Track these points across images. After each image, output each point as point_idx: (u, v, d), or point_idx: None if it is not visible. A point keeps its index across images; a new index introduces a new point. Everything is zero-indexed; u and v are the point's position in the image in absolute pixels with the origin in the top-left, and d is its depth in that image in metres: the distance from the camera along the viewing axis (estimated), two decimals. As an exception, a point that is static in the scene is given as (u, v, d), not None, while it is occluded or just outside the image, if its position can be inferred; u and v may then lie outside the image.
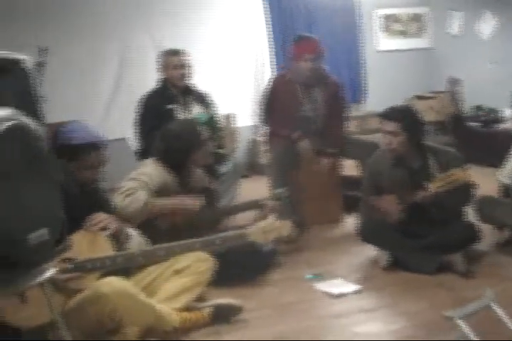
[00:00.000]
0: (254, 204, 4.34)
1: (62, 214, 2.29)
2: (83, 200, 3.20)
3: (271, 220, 3.41)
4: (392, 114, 4.13)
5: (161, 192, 3.87)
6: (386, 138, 4.09)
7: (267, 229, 3.31)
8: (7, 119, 2.03)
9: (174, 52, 5.19)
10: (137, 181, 3.80)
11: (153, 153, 4.14)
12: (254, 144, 8.05)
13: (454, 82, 4.71)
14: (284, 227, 3.34)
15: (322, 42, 5.32)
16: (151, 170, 3.91)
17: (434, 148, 4.21)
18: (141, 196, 3.71)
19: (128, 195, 3.68)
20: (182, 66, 5.13)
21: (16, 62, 2.22)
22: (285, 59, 8.04)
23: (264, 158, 7.49)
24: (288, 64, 5.53)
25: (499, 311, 2.67)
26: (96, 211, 3.22)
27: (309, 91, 5.25)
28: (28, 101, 2.25)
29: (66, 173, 3.08)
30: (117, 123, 6.84)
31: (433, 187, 3.85)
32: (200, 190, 4.10)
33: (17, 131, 2.06)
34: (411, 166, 4.14)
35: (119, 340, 3.01)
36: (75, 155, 3.17)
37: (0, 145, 1.95)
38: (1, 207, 1.95)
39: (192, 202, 3.93)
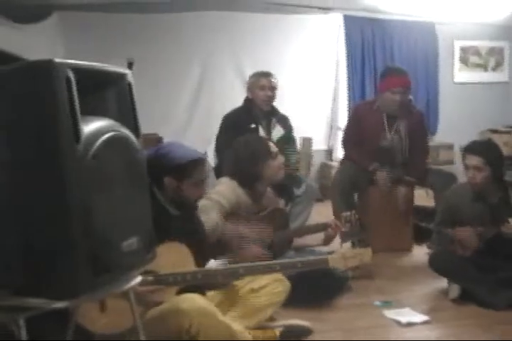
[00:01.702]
0: (323, 227, 4.36)
1: (151, 225, 2.36)
2: (180, 222, 3.28)
3: (352, 248, 3.39)
4: (477, 148, 4.12)
5: (234, 210, 3.93)
6: (470, 173, 4.09)
7: (347, 255, 3.29)
8: (109, 130, 2.10)
9: (265, 74, 5.31)
10: (210, 200, 3.85)
11: (225, 169, 4.21)
12: (325, 168, 8.09)
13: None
14: (366, 254, 3.33)
15: (409, 78, 5.34)
16: (225, 189, 3.96)
17: None
18: (213, 217, 3.74)
19: (201, 214, 3.70)
20: (270, 88, 5.24)
21: (120, 76, 2.30)
22: (363, 86, 8.14)
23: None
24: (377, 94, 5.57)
25: None
26: (189, 232, 3.29)
27: (394, 122, 5.29)
28: (127, 114, 2.33)
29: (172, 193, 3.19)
30: (192, 143, 6.96)
31: None
32: (271, 211, 4.14)
33: (118, 142, 2.13)
34: (491, 201, 4.12)
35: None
36: (188, 172, 3.20)
37: (102, 154, 2.01)
38: (102, 214, 2.02)
39: (251, 253, 3.90)
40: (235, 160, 4.15)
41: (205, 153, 5.64)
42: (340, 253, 3.32)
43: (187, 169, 3.20)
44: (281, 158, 4.16)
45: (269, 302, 3.44)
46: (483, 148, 4.14)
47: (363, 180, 5.21)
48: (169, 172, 3.17)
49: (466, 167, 4.12)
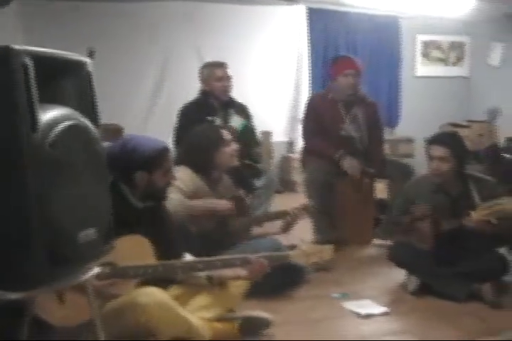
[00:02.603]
0: (282, 214, 4.36)
1: (110, 216, 2.33)
2: (145, 215, 3.25)
3: (313, 244, 3.41)
4: (443, 140, 4.17)
5: (193, 196, 3.92)
6: (433, 164, 4.11)
7: (308, 252, 3.30)
8: (68, 118, 2.06)
9: (218, 65, 5.27)
10: (172, 186, 3.84)
11: (181, 158, 4.21)
12: (286, 161, 8.09)
13: (495, 112, 4.72)
14: (327, 251, 3.34)
15: (360, 62, 5.39)
16: (182, 175, 3.95)
17: (475, 177, 4.24)
18: (174, 198, 3.73)
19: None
20: (225, 78, 5.20)
21: (80, 64, 2.26)
22: (324, 79, 8.16)
23: (296, 175, 7.56)
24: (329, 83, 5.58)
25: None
26: (156, 223, 3.28)
27: (350, 111, 5.29)
28: (87, 103, 2.29)
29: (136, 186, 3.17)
30: (155, 132, 6.91)
31: (477, 215, 3.87)
32: (230, 198, 4.13)
33: (76, 131, 2.10)
34: (452, 193, 4.16)
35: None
36: (158, 163, 3.19)
37: (60, 143, 1.97)
38: (59, 204, 1.99)
39: (224, 205, 3.98)
40: (189, 149, 4.18)
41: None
42: (301, 249, 3.33)
43: (157, 160, 3.19)
44: (234, 145, 4.15)
45: (231, 293, 3.42)
46: (449, 140, 4.18)
47: (331, 174, 5.19)
48: (141, 167, 3.15)
49: (430, 158, 4.15)
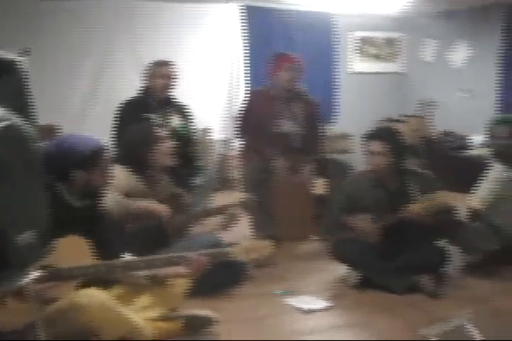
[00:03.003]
0: (221, 210, 4.34)
1: (47, 218, 2.29)
2: (83, 214, 3.19)
3: (253, 240, 3.41)
4: (382, 135, 4.21)
5: (128, 196, 3.86)
6: (373, 159, 4.15)
7: (249, 248, 3.29)
8: (2, 119, 2.02)
9: (163, 63, 5.25)
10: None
11: (117, 157, 4.16)
12: (224, 159, 8.07)
13: (429, 104, 4.81)
14: (267, 247, 3.34)
15: (301, 58, 5.40)
16: (118, 174, 3.89)
17: (413, 172, 4.30)
18: (108, 196, 3.68)
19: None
20: (168, 76, 5.18)
21: (14, 63, 2.22)
22: (261, 77, 8.16)
23: (234, 173, 7.54)
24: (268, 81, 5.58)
25: (473, 331, 2.71)
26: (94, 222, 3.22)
27: (289, 107, 5.29)
28: (21, 103, 2.24)
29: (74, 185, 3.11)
30: (92, 131, 6.81)
31: (416, 208, 3.92)
32: (168, 196, 4.10)
33: (10, 131, 2.05)
34: (390, 188, 4.21)
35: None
36: (96, 161, 3.15)
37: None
38: (-5, 206, 1.94)
39: (160, 209, 3.92)
40: (124, 147, 4.15)
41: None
42: (242, 246, 3.32)
43: (94, 159, 3.14)
44: (169, 143, 4.10)
45: (173, 291, 3.39)
46: (387, 135, 4.23)
47: (268, 170, 5.19)
48: (78, 166, 3.09)
49: (369, 153, 4.18)
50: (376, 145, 4.16)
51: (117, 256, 3.24)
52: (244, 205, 4.39)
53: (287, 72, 5.18)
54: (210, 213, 4.50)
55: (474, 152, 7.28)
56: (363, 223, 4.15)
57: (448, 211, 4.04)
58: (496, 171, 4.56)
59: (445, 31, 8.57)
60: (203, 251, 3.34)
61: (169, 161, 4.08)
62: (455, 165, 4.92)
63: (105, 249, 3.18)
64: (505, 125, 4.68)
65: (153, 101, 5.15)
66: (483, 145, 6.55)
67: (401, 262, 4.11)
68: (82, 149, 3.10)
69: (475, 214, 4.75)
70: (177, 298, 3.45)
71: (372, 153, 4.17)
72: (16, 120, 2.10)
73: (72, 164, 3.09)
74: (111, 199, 3.66)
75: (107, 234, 3.28)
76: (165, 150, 4.05)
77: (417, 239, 4.13)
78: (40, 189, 2.27)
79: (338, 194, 4.62)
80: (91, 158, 3.13)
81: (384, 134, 4.24)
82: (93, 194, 3.25)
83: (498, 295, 4.03)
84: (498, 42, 7.65)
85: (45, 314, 2.86)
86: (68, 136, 3.25)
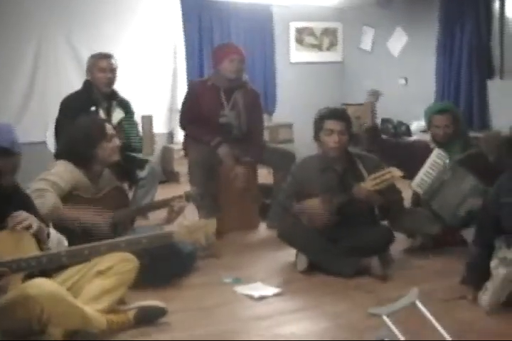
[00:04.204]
0: (165, 203, 4.33)
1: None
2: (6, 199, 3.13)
3: (195, 219, 3.40)
4: (339, 114, 4.32)
5: (72, 191, 3.82)
6: (335, 137, 4.21)
7: (192, 228, 3.28)
8: None
9: (103, 56, 5.17)
10: (46, 181, 3.72)
11: (61, 151, 4.12)
12: (167, 151, 8.05)
13: (375, 94, 4.90)
14: (210, 225, 3.35)
15: (244, 49, 5.44)
16: (60, 169, 3.84)
17: (359, 154, 4.41)
18: (50, 199, 3.62)
19: (37, 197, 3.55)
20: (109, 70, 5.11)
21: None
22: (201, 68, 8.16)
23: (178, 166, 7.53)
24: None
25: (424, 309, 2.76)
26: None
27: (231, 97, 5.30)
28: None
29: None
30: (33, 126, 6.73)
31: (367, 185, 4.00)
32: (111, 190, 4.05)
33: None
34: (338, 169, 4.27)
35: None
36: None
37: None
38: None
39: (97, 218, 3.80)
40: (70, 142, 4.04)
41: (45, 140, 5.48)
42: (184, 226, 3.32)
43: None
44: (116, 141, 4.03)
45: (118, 282, 3.34)
46: (345, 115, 4.36)
47: (214, 159, 5.19)
48: None
49: (329, 131, 4.23)
50: (336, 124, 4.24)
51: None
52: (188, 198, 4.38)
53: (232, 63, 5.18)
54: (154, 207, 4.48)
55: (415, 138, 7.41)
56: (313, 207, 4.19)
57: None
58: (436, 156, 4.64)
59: (383, 20, 8.68)
60: (147, 234, 3.32)
61: (115, 158, 4.03)
62: (397, 152, 5.00)
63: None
64: (443, 114, 4.78)
65: (97, 95, 5.09)
66: (423, 131, 6.69)
67: (348, 244, 4.18)
68: None
69: (417, 198, 4.85)
70: (122, 286, 3.39)
71: (331, 131, 4.22)
72: None
73: None
74: (50, 204, 3.59)
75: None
76: (112, 148, 3.99)
77: (363, 221, 4.22)
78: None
79: (285, 181, 4.63)
80: None
81: (341, 113, 4.36)
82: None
83: (442, 276, 4.12)
84: (435, 30, 7.76)
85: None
86: None
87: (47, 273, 3.17)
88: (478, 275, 3.58)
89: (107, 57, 5.18)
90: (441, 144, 4.75)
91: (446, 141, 4.75)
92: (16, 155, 3.09)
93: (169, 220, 4.20)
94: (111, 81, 5.14)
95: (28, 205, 3.25)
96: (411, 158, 4.87)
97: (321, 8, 8.95)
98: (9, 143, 3.09)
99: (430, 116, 4.86)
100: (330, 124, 4.25)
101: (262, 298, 3.82)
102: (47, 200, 3.60)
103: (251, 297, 3.84)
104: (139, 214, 4.49)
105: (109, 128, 4.04)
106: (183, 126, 5.48)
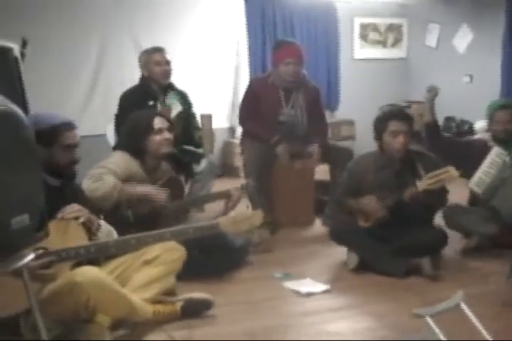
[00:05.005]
0: (220, 195, 4.35)
1: (43, 202, 2.31)
2: (61, 192, 3.22)
3: (242, 210, 3.40)
4: (405, 115, 4.30)
5: (128, 180, 3.89)
6: (401, 139, 4.16)
7: (238, 219, 3.29)
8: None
9: (156, 49, 5.21)
10: (104, 168, 3.82)
11: (117, 143, 4.19)
12: (228, 146, 8.09)
13: (433, 90, 4.81)
14: (256, 217, 3.33)
15: (303, 47, 5.39)
16: (118, 159, 3.94)
17: (418, 151, 4.38)
18: (109, 179, 3.72)
19: (96, 180, 3.69)
20: (164, 63, 5.15)
21: (6, 50, 2.23)
22: (264, 63, 8.16)
23: (238, 161, 7.56)
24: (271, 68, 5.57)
25: (468, 311, 2.71)
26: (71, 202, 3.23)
27: (290, 96, 5.30)
28: (15, 89, 2.26)
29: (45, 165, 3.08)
30: (96, 119, 6.84)
31: (424, 184, 3.96)
32: (166, 181, 4.11)
33: (5, 117, 2.07)
34: (396, 168, 4.24)
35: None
36: (55, 136, 3.17)
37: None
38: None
39: (157, 193, 3.93)
40: (124, 134, 4.19)
41: (106, 133, 5.57)
42: (230, 217, 3.34)
43: (52, 134, 3.16)
44: (165, 134, 4.06)
45: (166, 271, 3.40)
46: (409, 115, 4.34)
47: (269, 156, 5.21)
48: (38, 141, 3.09)
49: (393, 133, 4.18)
50: (401, 125, 4.19)
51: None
52: (243, 190, 4.41)
53: (287, 66, 5.17)
54: (209, 198, 4.52)
55: (476, 137, 7.27)
56: (370, 204, 4.17)
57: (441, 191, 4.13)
58: (495, 155, 4.56)
59: (448, 16, 8.53)
60: (193, 225, 3.37)
61: (163, 151, 4.06)
62: (457, 151, 4.91)
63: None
64: (505, 110, 4.70)
65: (155, 89, 5.15)
66: (486, 129, 6.55)
67: (401, 244, 4.13)
68: (40, 122, 3.09)
69: (475, 198, 4.77)
70: (169, 275, 3.44)
71: (397, 132, 4.18)
72: (11, 106, 2.12)
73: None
74: (109, 184, 3.69)
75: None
76: (159, 141, 4.02)
77: (416, 222, 4.16)
78: (35, 174, 2.30)
79: (342, 176, 4.61)
80: (48, 133, 3.13)
81: (405, 114, 4.33)
82: (61, 173, 3.25)
83: (495, 277, 4.03)
84: (501, 27, 7.59)
85: (42, 295, 2.90)
86: (36, 114, 3.25)
87: (95, 262, 3.24)
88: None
89: (160, 50, 5.22)
90: (501, 141, 4.66)
91: (506, 138, 4.66)
92: (76, 129, 3.28)
93: (225, 212, 4.24)
94: (168, 73, 5.18)
95: (79, 198, 3.33)
96: (469, 156, 4.79)
97: (386, 3, 8.88)
98: (66, 118, 3.29)
99: (492, 111, 4.77)
100: (395, 125, 4.19)
101: (309, 294, 3.82)
102: (106, 181, 3.71)
103: (299, 293, 3.84)
104: (194, 205, 4.52)
105: (158, 122, 4.07)
106: (241, 122, 5.51)
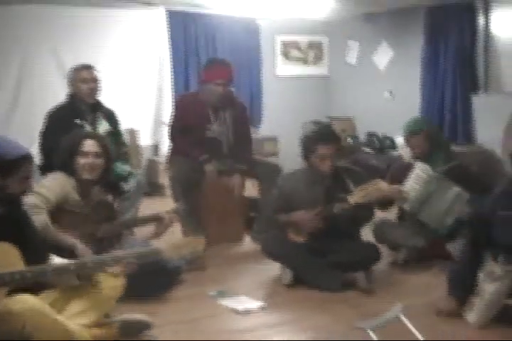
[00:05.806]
0: (152, 218, 4.32)
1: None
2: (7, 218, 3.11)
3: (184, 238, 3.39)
4: (332, 137, 4.38)
5: (63, 203, 3.83)
6: (328, 163, 4.23)
7: (179, 245, 3.30)
8: None
9: (84, 67, 5.15)
10: (38, 196, 3.72)
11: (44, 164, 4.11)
12: (153, 164, 8.03)
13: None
14: (198, 241, 3.35)
15: (233, 67, 5.43)
16: (51, 182, 3.87)
17: (345, 167, 4.47)
18: (40, 219, 3.61)
19: (31, 214, 3.56)
20: (91, 80, 5.09)
21: None
22: (187, 79, 8.17)
23: (163, 178, 7.51)
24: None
25: (408, 323, 2.77)
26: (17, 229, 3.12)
27: (218, 112, 5.31)
28: None
29: None
30: (19, 138, 6.67)
31: (355, 198, 4.03)
32: (96, 204, 4.04)
33: None
34: (326, 183, 4.30)
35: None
36: (15, 168, 3.01)
37: None
38: None
39: (81, 249, 3.75)
40: (56, 154, 4.09)
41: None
42: (172, 243, 3.31)
43: (14, 166, 3.01)
44: (92, 159, 3.95)
45: (105, 298, 3.33)
46: (335, 135, 4.43)
47: (197, 173, 5.19)
48: None
49: (320, 156, 4.22)
50: (328, 149, 4.23)
51: (46, 260, 3.18)
52: (176, 213, 4.39)
53: (217, 87, 5.17)
54: (141, 221, 4.47)
55: (400, 152, 7.43)
56: (300, 217, 4.21)
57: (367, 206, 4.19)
58: (420, 170, 4.67)
59: (368, 34, 8.72)
60: (134, 250, 3.32)
61: (87, 176, 3.96)
62: (381, 166, 5.02)
63: (33, 253, 3.10)
64: (416, 136, 4.83)
65: (82, 107, 5.08)
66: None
67: (335, 259, 4.18)
68: (2, 152, 2.97)
69: (403, 212, 4.87)
70: (109, 302, 3.38)
71: (324, 156, 4.22)
72: None
73: None
74: (39, 224, 3.57)
75: (33, 239, 3.19)
76: (83, 165, 3.93)
77: (345, 235, 4.24)
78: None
79: (272, 193, 4.63)
80: (11, 164, 2.99)
81: (332, 135, 4.37)
82: (8, 201, 3.10)
83: (426, 289, 4.13)
84: (419, 44, 7.81)
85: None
86: None
87: (32, 289, 3.15)
88: (462, 287, 3.59)
89: (88, 67, 5.16)
90: (422, 159, 4.78)
91: (425, 157, 4.79)
92: (32, 160, 3.14)
93: (157, 235, 4.21)
94: (94, 91, 5.12)
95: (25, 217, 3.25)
96: (394, 172, 4.93)
97: (307, 21, 8.97)
98: (24, 149, 3.11)
99: (405, 136, 4.92)
100: (322, 149, 4.23)
101: (246, 311, 3.82)
102: (40, 220, 3.60)
103: (235, 310, 3.84)
104: (126, 228, 4.46)
105: (87, 145, 3.99)
106: (171, 139, 5.47)
